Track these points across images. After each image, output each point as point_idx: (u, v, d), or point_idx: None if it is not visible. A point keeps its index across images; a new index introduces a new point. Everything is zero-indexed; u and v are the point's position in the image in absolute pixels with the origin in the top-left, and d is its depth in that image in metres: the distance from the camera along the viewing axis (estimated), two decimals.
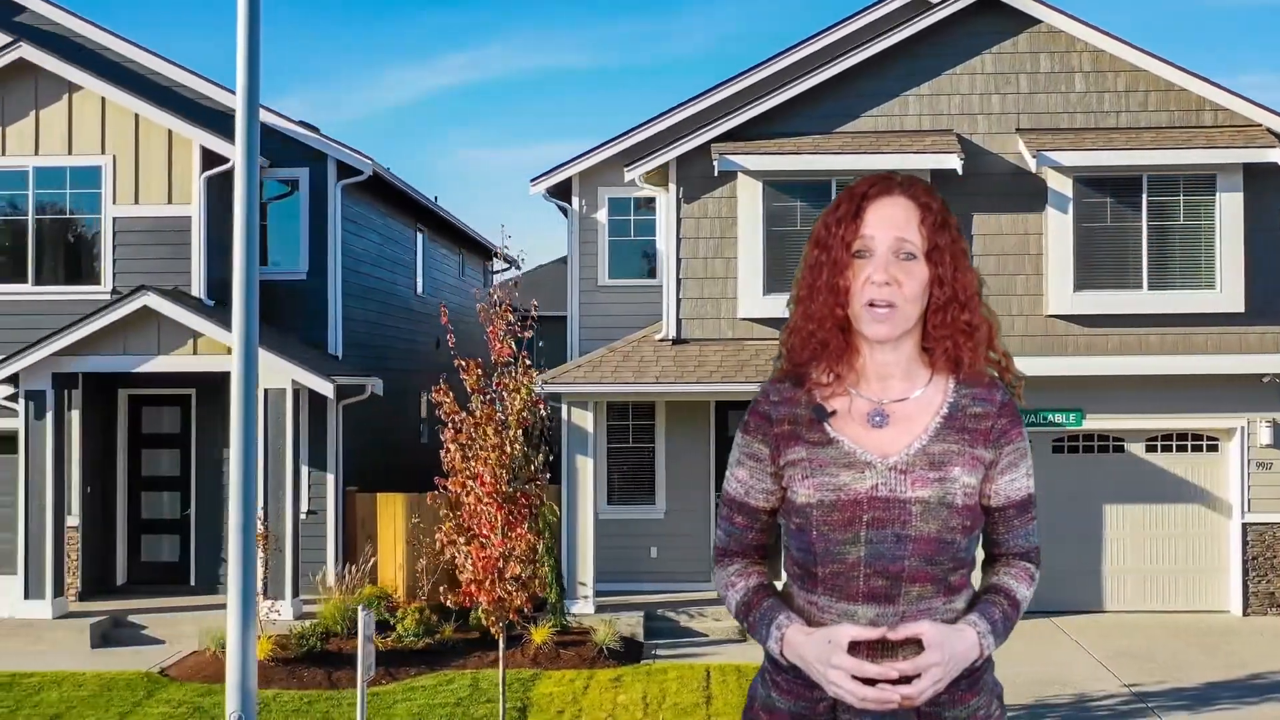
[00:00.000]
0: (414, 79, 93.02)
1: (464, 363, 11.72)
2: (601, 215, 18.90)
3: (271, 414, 16.10)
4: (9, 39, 17.42)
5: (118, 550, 17.94)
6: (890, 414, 2.58)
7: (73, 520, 17.03)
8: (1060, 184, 16.79)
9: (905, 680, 2.45)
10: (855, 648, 2.47)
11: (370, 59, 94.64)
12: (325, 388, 16.04)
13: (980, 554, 2.72)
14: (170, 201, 16.74)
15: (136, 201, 16.76)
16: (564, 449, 17.13)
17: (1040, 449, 16.62)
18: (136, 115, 16.71)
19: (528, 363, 12.00)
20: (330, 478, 17.64)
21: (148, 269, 16.59)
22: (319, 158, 17.88)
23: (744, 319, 17.32)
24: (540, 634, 15.40)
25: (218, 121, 16.97)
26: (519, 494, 11.81)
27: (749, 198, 17.26)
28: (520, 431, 11.80)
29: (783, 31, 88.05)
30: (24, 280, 16.87)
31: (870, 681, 2.45)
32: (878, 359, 2.59)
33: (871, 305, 2.52)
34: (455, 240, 26.29)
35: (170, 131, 16.71)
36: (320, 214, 17.93)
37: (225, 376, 16.65)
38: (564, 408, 17.08)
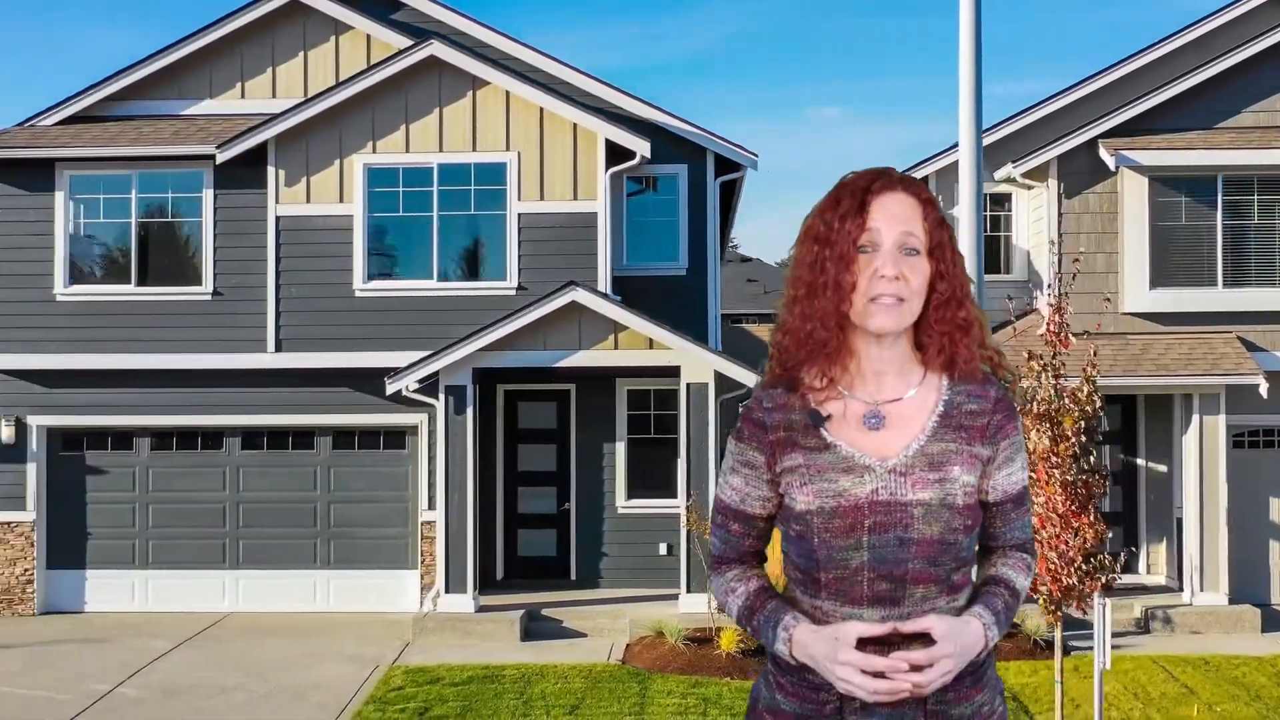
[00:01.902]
0: None
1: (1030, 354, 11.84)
2: (957, 212, 18.97)
3: (694, 407, 16.19)
4: (410, 40, 17.54)
5: (496, 545, 18.03)
6: (886, 415, 2.56)
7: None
8: None
9: (915, 670, 2.44)
10: (863, 645, 2.46)
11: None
12: (749, 378, 16.11)
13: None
14: (575, 198, 16.82)
15: (541, 198, 16.85)
16: None
17: None
18: (540, 110, 16.80)
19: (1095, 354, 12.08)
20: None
21: (552, 265, 16.68)
22: (698, 153, 17.97)
23: (1127, 313, 17.41)
24: None
25: (615, 121, 17.07)
26: (1081, 483, 11.89)
27: (1134, 192, 17.36)
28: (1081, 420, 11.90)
29: (785, 32, 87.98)
30: (429, 277, 16.96)
31: (880, 677, 2.43)
32: (874, 356, 2.57)
33: (878, 299, 2.49)
34: None
35: (575, 127, 16.80)
36: (699, 209, 18.02)
37: (609, 371, 16.84)
38: None
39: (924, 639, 2.46)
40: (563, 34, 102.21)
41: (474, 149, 16.92)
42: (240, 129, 17.29)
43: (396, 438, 17.65)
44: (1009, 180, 18.61)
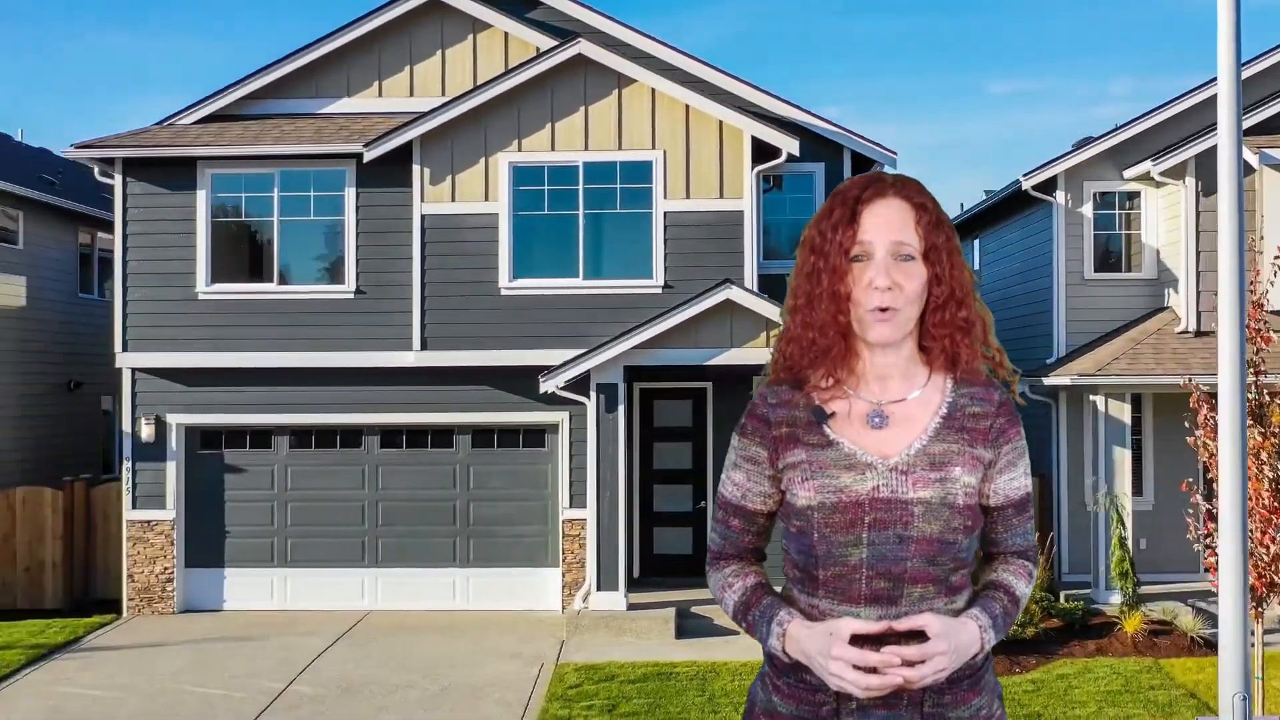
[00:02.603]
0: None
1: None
2: (1086, 210, 19.00)
3: None
4: (547, 38, 17.58)
5: (633, 543, 18.02)
6: (890, 415, 2.56)
7: (583, 513, 17.10)
8: None
9: (907, 665, 2.42)
10: (857, 642, 2.45)
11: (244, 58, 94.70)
12: None
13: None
14: (721, 196, 16.83)
15: (687, 196, 16.85)
16: (1100, 441, 17.24)
17: None
18: (686, 108, 16.81)
19: None
20: None
21: (698, 263, 16.69)
22: (833, 150, 17.97)
23: (1276, 311, 17.40)
24: (1132, 623, 15.50)
25: (756, 119, 17.07)
26: None
27: (1275, 190, 17.39)
28: None
29: (788, 30, 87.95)
30: (574, 275, 16.97)
31: (873, 673, 2.42)
32: (877, 360, 2.57)
33: (873, 310, 2.50)
34: None
35: (720, 124, 16.81)
36: None
37: (749, 369, 16.79)
38: (1100, 400, 17.19)
39: (919, 637, 2.44)
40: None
41: (619, 147, 16.92)
42: (380, 127, 17.33)
43: (536, 436, 17.66)
44: (1142, 178, 18.60)
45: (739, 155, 16.78)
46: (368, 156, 16.73)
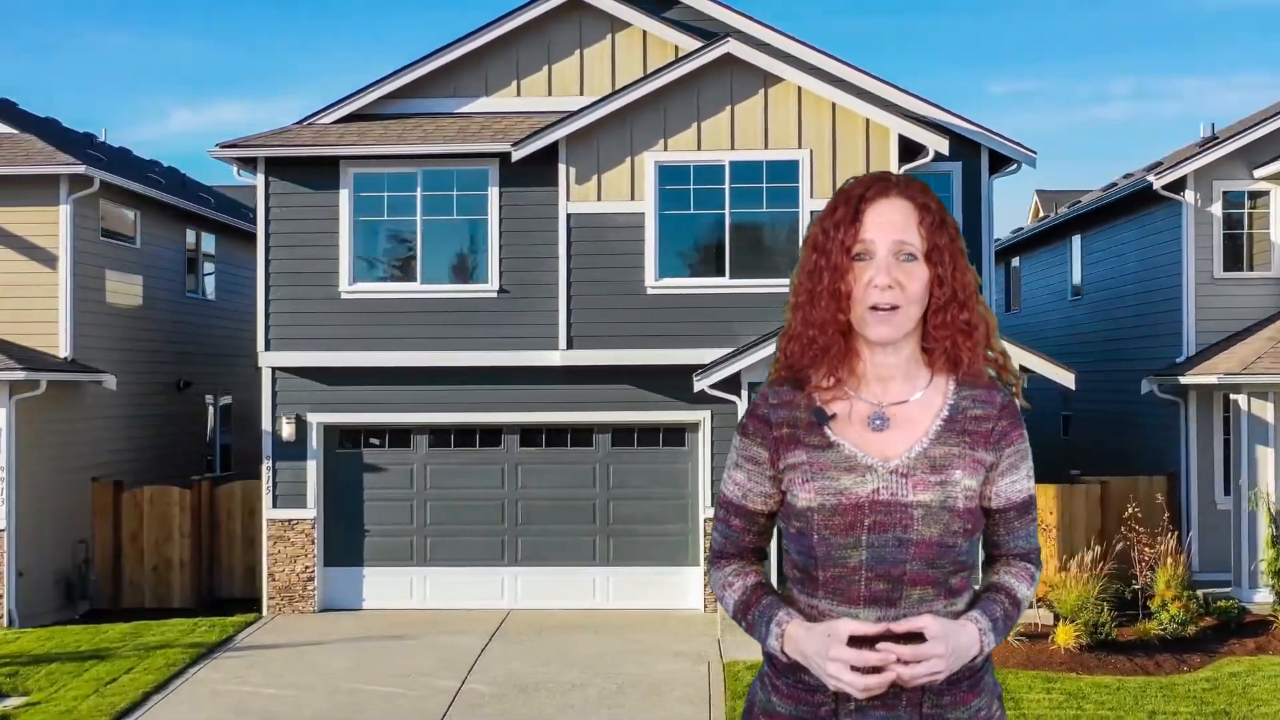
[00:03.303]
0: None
1: None
2: (1215, 209, 19.01)
3: None
4: (686, 37, 17.61)
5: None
6: (891, 417, 2.56)
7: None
8: None
9: (901, 662, 2.44)
10: (855, 644, 2.46)
11: (368, 59, 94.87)
12: (1065, 378, 16.10)
13: (980, 555, 2.70)
14: None
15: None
16: (1242, 440, 17.26)
17: None
18: (833, 106, 16.82)
19: None
20: None
21: None
22: (970, 149, 17.99)
23: None
24: None
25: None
26: None
27: None
28: None
29: (788, 31, 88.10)
30: (720, 274, 16.99)
31: (873, 673, 2.44)
32: (879, 361, 2.57)
33: (874, 308, 2.49)
34: None
35: (867, 123, 16.82)
36: (972, 207, 18.05)
37: None
38: (1243, 399, 17.21)
39: (918, 638, 2.45)
40: None
41: (765, 146, 16.94)
42: (520, 126, 17.35)
43: (676, 435, 17.68)
44: (1273, 178, 18.61)
45: (885, 154, 16.79)
46: (515, 156, 16.76)
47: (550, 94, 17.96)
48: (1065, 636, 14.65)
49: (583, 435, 17.77)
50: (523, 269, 17.32)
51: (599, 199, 17.04)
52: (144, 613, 18.39)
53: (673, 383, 16.83)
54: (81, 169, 18.18)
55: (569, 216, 17.06)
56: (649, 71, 17.39)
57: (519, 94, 18.08)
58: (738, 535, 2.70)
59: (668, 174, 17.01)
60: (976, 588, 2.65)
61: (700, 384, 16.13)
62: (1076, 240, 24.35)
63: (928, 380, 2.60)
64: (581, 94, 17.81)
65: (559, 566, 17.69)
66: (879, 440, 2.54)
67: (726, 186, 16.95)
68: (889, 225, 2.51)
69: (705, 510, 17.30)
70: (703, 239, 17.12)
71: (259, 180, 17.60)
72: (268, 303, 17.58)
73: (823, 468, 2.53)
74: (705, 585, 17.28)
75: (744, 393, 16.28)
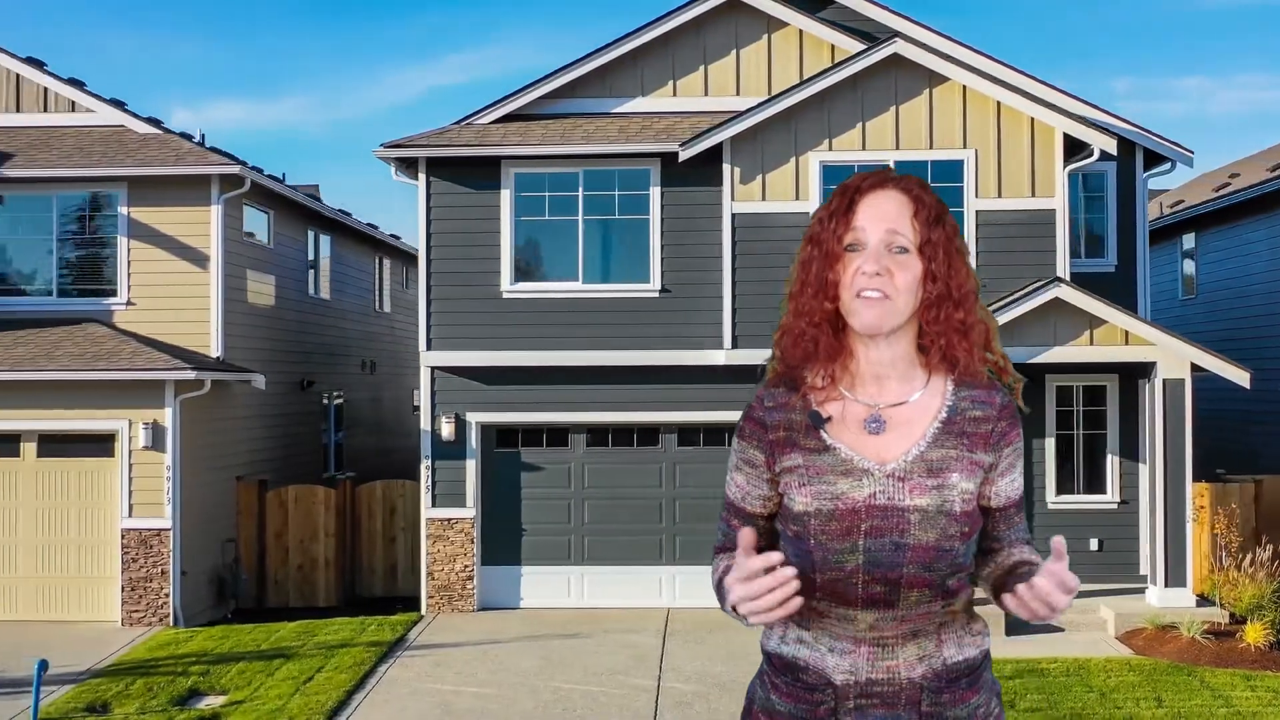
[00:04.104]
0: (415, 78, 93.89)
1: None
2: None
3: (1171, 401, 16.24)
4: (842, 35, 17.67)
5: None
6: (887, 419, 2.53)
7: None
8: None
9: (1062, 587, 2.33)
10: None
11: (371, 58, 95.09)
12: (1240, 376, 16.16)
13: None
14: (1032, 194, 16.90)
15: (999, 195, 16.92)
16: None
17: None
18: (997, 106, 16.87)
19: None
20: (1142, 466, 17.81)
21: (1009, 261, 16.75)
22: (1126, 149, 18.01)
23: None
24: None
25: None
26: None
27: None
28: None
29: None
30: None
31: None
32: (872, 358, 2.54)
33: (860, 294, 2.47)
34: None
35: (1031, 122, 16.87)
36: (1127, 205, 18.10)
37: (1041, 367, 16.92)
38: None
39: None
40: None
41: (930, 146, 16.99)
42: (679, 126, 17.41)
43: (718, 435, 17.74)
44: None
45: (1050, 153, 16.84)
46: (683, 156, 16.81)
47: (707, 94, 18.02)
48: (1255, 634, 14.70)
49: None
50: (685, 268, 17.38)
51: (763, 199, 17.09)
52: (289, 612, 18.48)
53: None
54: (235, 169, 18.25)
55: (733, 216, 17.11)
56: (806, 71, 17.45)
57: (675, 94, 18.13)
58: (736, 534, 2.62)
59: (832, 174, 17.04)
60: (984, 575, 2.61)
61: None
62: (1190, 239, 24.38)
63: (925, 381, 2.57)
64: (738, 94, 17.87)
65: None
66: (875, 443, 2.52)
67: None
68: (881, 216, 2.50)
69: None
70: None
71: (420, 181, 17.65)
72: (429, 302, 17.64)
73: (819, 471, 2.51)
74: None
75: None
